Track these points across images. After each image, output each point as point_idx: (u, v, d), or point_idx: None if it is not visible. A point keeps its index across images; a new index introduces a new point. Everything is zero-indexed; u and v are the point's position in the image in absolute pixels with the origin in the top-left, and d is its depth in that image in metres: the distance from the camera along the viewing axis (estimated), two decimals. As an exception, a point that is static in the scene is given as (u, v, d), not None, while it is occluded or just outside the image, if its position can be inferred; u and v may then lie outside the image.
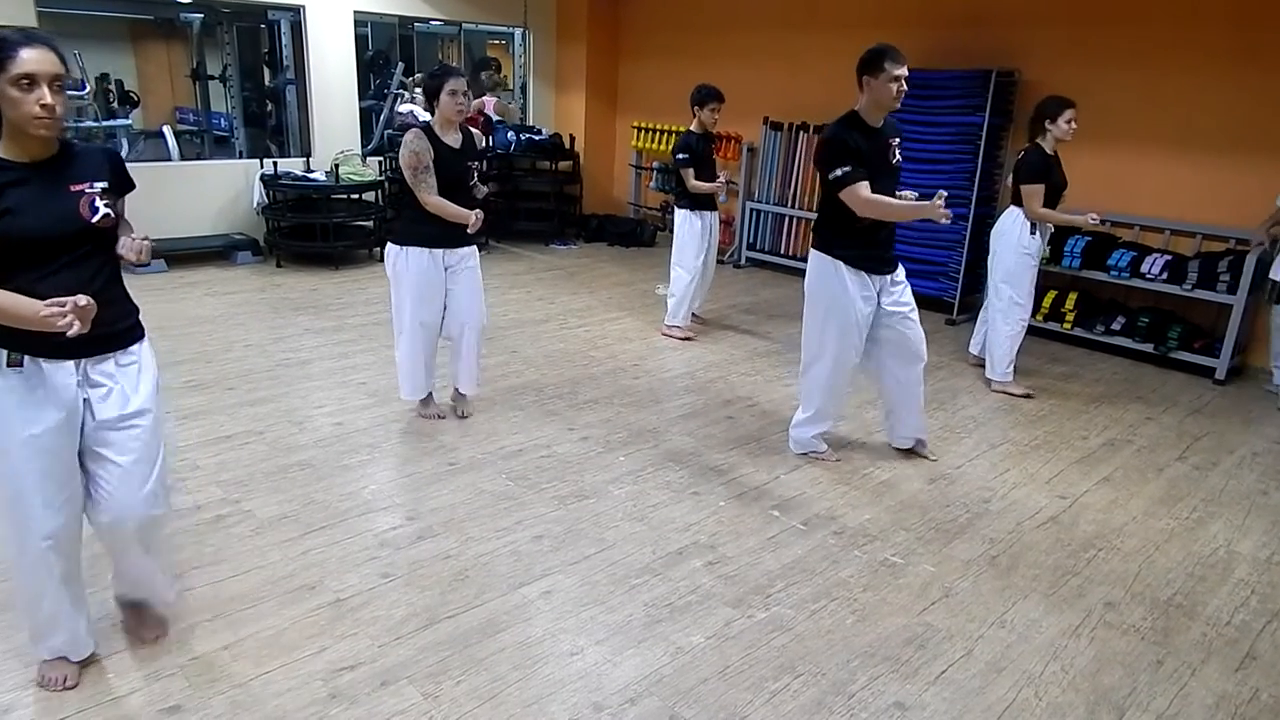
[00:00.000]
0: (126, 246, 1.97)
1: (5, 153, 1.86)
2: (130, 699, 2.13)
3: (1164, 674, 2.44)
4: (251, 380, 4.33)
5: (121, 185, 2.05)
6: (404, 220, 3.67)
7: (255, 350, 4.80)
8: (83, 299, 1.76)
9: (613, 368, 4.81)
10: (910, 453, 3.81)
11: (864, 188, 3.18)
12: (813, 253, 3.46)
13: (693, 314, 5.56)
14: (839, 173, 3.20)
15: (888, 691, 2.30)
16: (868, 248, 3.35)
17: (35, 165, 1.88)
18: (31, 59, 1.77)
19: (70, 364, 1.95)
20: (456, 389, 3.98)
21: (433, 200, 3.50)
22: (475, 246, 3.76)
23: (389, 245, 3.69)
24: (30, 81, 1.77)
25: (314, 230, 6.88)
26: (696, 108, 5.07)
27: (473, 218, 3.47)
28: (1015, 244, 4.47)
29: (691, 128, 5.14)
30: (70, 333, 1.73)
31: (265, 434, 3.71)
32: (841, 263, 3.35)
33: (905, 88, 3.17)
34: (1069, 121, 4.28)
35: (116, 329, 2.02)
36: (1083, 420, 4.34)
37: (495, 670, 2.30)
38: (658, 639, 2.47)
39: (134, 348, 2.06)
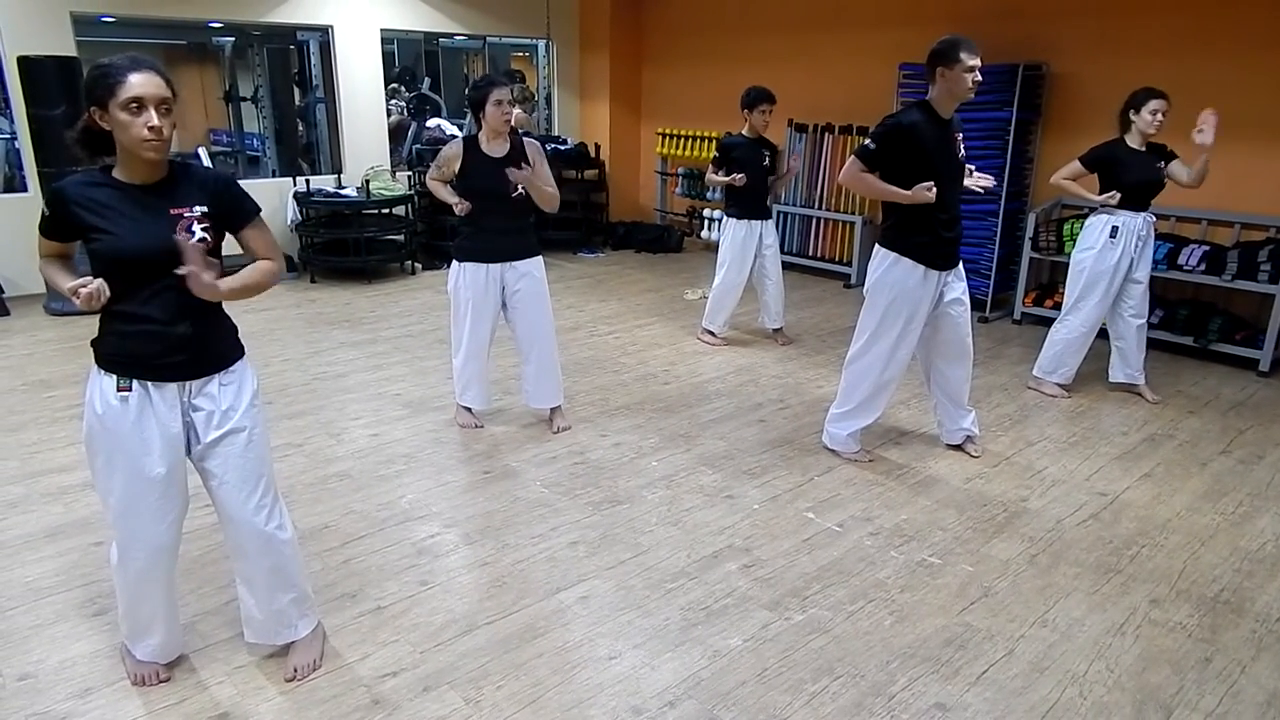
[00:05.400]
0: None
1: (118, 174, 1.93)
2: (181, 706, 2.18)
3: (1213, 672, 2.39)
4: (289, 394, 4.41)
5: (230, 212, 2.02)
6: (462, 237, 3.73)
7: (292, 365, 4.89)
8: (95, 286, 1.83)
9: (643, 373, 4.82)
10: (946, 450, 3.79)
11: (862, 167, 3.30)
12: (879, 249, 3.46)
13: (774, 329, 5.41)
14: (866, 143, 3.29)
15: (928, 693, 2.29)
16: (935, 244, 3.34)
17: (142, 188, 1.93)
18: (139, 83, 1.81)
19: (175, 387, 2.01)
20: (549, 410, 4.01)
21: (429, 184, 3.82)
22: (539, 257, 3.78)
23: (452, 262, 3.77)
24: (139, 105, 1.81)
25: (347, 245, 7.00)
26: (746, 111, 4.96)
27: (459, 205, 3.63)
28: (1080, 243, 4.34)
29: (743, 131, 5.04)
30: (78, 302, 1.83)
31: (304, 446, 3.78)
32: (908, 258, 3.35)
33: (980, 78, 3.17)
34: (1153, 113, 4.02)
35: (219, 350, 2.08)
36: (1122, 416, 4.27)
37: (535, 675, 2.32)
38: (695, 642, 2.47)
39: (234, 366, 2.11)
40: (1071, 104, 5.78)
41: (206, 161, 7.79)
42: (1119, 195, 4.14)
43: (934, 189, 3.16)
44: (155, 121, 1.83)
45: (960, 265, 3.49)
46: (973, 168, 3.43)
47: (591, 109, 9.01)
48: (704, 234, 8.32)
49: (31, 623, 2.51)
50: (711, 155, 5.12)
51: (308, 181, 7.12)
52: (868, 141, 3.30)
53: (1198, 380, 4.82)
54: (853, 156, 3.35)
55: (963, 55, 3.12)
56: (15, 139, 6.44)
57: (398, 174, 7.63)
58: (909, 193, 3.21)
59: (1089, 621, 2.60)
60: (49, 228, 1.96)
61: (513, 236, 3.68)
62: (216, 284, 1.93)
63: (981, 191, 3.43)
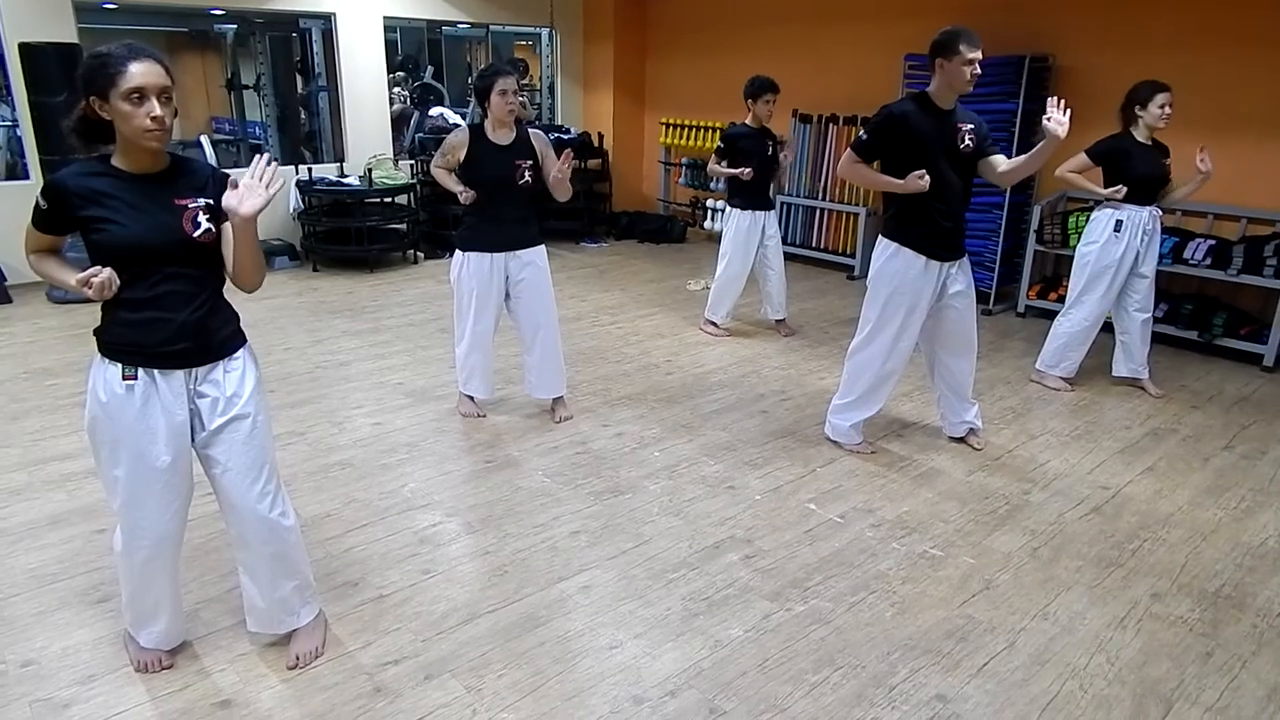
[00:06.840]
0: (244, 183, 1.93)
1: (118, 163, 1.91)
2: (183, 694, 2.19)
3: (1213, 666, 2.39)
4: (292, 383, 4.41)
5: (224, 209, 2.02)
6: (465, 226, 3.72)
7: (295, 353, 4.89)
8: (106, 275, 1.82)
9: (645, 364, 4.82)
10: (949, 443, 3.78)
11: (857, 159, 3.33)
12: (880, 239, 3.46)
13: (776, 319, 5.41)
14: (860, 134, 3.34)
15: (929, 684, 2.29)
16: (935, 234, 3.34)
17: (144, 177, 1.91)
18: (140, 73, 1.79)
19: (181, 374, 2.01)
20: (552, 400, 4.01)
21: (434, 171, 3.77)
22: (541, 246, 3.77)
23: (455, 252, 3.76)
24: (140, 95, 1.80)
25: (349, 234, 6.99)
26: (750, 101, 4.93)
27: (464, 194, 3.61)
28: (1085, 237, 4.33)
29: (747, 121, 5.01)
30: (89, 293, 1.82)
31: (306, 435, 3.78)
32: (909, 249, 3.35)
33: (979, 71, 3.16)
34: (1162, 107, 4.00)
35: (222, 338, 2.07)
36: (1125, 410, 4.26)
37: (536, 664, 2.33)
38: (696, 632, 2.47)
39: (238, 353, 2.11)
40: (1077, 97, 5.65)
41: (209, 149, 7.79)
42: (1125, 189, 4.12)
43: (926, 178, 3.16)
44: (158, 111, 1.81)
45: (965, 258, 3.49)
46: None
47: (595, 99, 8.97)
48: (707, 224, 8.30)
49: (34, 609, 2.51)
50: (715, 145, 5.10)
51: (310, 170, 7.10)
52: (861, 132, 3.32)
53: (1201, 375, 4.81)
54: (849, 148, 3.37)
55: (962, 47, 3.11)
56: (17, 126, 6.43)
57: (400, 163, 7.62)
58: (902, 182, 3.21)
59: (1090, 615, 2.60)
60: (44, 221, 1.92)
61: (517, 226, 3.68)
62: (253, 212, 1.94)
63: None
